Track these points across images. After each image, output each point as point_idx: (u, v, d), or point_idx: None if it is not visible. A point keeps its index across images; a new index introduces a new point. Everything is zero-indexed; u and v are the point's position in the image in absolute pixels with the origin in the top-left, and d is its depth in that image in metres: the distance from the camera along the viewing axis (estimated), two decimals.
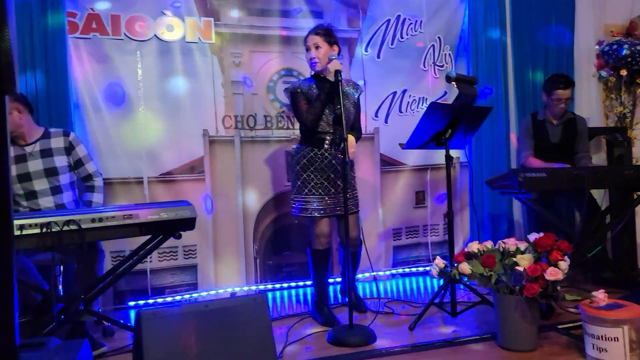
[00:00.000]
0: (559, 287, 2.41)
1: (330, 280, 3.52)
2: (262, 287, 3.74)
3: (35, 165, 2.87)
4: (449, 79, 2.87)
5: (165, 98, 3.52)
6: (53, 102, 3.21)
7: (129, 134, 3.44)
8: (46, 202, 2.89)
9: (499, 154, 4.15)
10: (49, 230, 2.14)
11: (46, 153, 2.91)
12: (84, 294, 2.49)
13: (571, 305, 2.85)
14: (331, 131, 2.99)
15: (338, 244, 3.24)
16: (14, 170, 2.82)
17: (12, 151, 2.84)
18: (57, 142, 2.95)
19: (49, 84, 3.20)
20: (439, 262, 2.65)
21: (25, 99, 2.90)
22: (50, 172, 2.90)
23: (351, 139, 2.98)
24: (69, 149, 2.97)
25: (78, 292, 2.48)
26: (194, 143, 3.58)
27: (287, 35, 3.79)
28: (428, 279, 3.96)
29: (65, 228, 2.17)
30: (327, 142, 2.99)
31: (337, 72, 2.76)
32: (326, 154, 2.99)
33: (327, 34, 3.00)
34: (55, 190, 2.91)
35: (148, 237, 2.58)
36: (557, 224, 3.26)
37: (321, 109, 2.92)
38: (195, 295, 3.57)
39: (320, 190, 2.97)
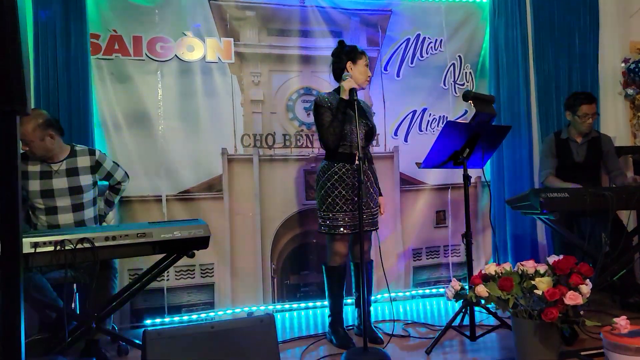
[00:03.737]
0: (582, 312, 2.32)
1: (349, 301, 3.48)
2: (279, 306, 3.71)
3: (59, 183, 2.90)
4: (465, 98, 2.84)
5: (185, 117, 3.56)
6: (75, 121, 3.28)
7: (148, 153, 3.49)
8: (66, 218, 2.92)
9: (521, 174, 4.07)
10: (62, 248, 2.16)
11: (72, 172, 2.93)
12: (97, 312, 2.50)
13: (596, 331, 2.74)
14: (362, 146, 2.92)
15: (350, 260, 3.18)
16: (38, 185, 2.87)
17: (39, 166, 2.89)
18: (83, 162, 2.98)
19: (71, 103, 3.27)
20: (455, 284, 2.58)
21: (57, 122, 2.91)
22: (75, 191, 2.93)
23: (381, 199, 3.15)
24: (95, 168, 3.00)
25: (91, 310, 2.49)
26: (212, 161, 3.61)
27: (306, 55, 3.80)
28: (448, 301, 3.87)
29: (79, 246, 2.19)
30: (358, 156, 2.96)
31: (352, 91, 2.76)
32: (357, 169, 2.94)
33: None
34: (77, 207, 2.95)
35: (162, 255, 2.58)
36: (581, 246, 3.17)
37: (340, 129, 2.89)
38: (211, 314, 3.56)
39: (351, 207, 2.93)
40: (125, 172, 3.17)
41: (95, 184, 3.03)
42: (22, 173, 2.84)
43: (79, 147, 3.02)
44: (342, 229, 2.93)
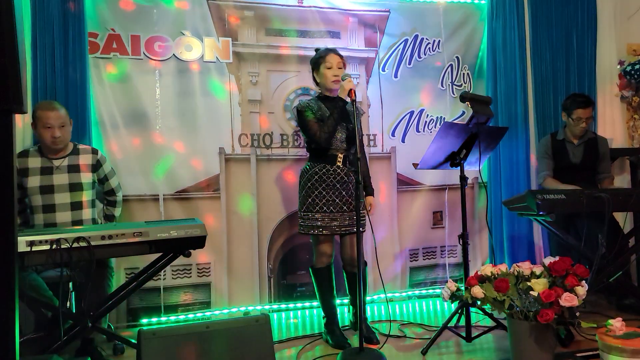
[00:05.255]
0: (577, 313, 2.32)
1: (345, 301, 3.47)
2: (275, 306, 3.71)
3: (60, 179, 2.92)
4: (463, 99, 2.84)
5: (183, 116, 3.56)
6: (72, 120, 3.26)
7: (146, 152, 3.48)
8: (64, 217, 2.91)
9: (518, 175, 4.07)
10: (58, 247, 2.16)
11: (73, 169, 2.96)
12: (92, 311, 2.49)
13: (591, 332, 2.75)
14: (344, 147, 2.99)
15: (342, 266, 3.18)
16: (37, 181, 2.87)
17: (39, 162, 2.91)
18: (85, 159, 3.01)
19: (69, 102, 3.25)
20: (451, 284, 2.59)
21: None
22: (75, 188, 2.95)
23: (371, 199, 3.11)
24: (96, 167, 3.04)
25: (86, 309, 2.49)
26: (210, 161, 3.61)
27: (304, 55, 3.79)
28: (445, 302, 3.87)
29: (75, 245, 2.18)
30: (339, 158, 2.98)
31: (352, 91, 2.77)
32: (338, 170, 2.97)
33: (342, 57, 3.06)
34: (76, 205, 2.95)
35: (159, 254, 2.58)
36: (577, 247, 3.17)
37: (334, 127, 2.91)
38: (208, 313, 3.56)
39: (332, 208, 2.95)
40: (119, 184, 3.20)
41: (94, 184, 3.05)
42: (21, 170, 2.87)
43: (81, 146, 3.06)
44: (321, 229, 2.94)
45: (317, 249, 3.01)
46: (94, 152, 3.06)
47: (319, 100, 3.05)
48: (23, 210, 2.94)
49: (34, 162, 2.89)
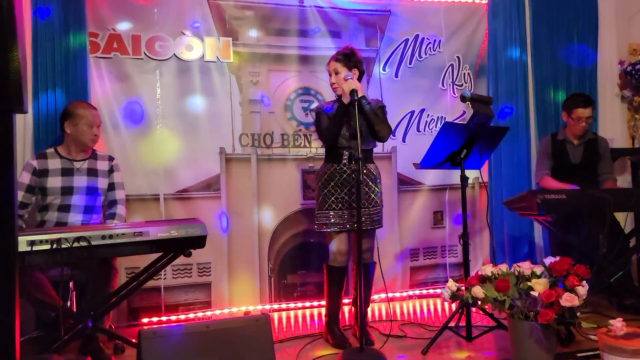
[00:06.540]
0: (578, 314, 2.32)
1: (345, 301, 3.47)
2: (276, 306, 3.71)
3: (80, 181, 2.97)
4: (463, 99, 2.83)
5: (183, 116, 3.56)
6: None
7: (146, 152, 3.49)
8: (76, 217, 2.94)
9: (519, 175, 4.07)
10: (59, 247, 2.16)
11: (92, 172, 3.02)
12: (93, 311, 2.49)
13: (592, 332, 2.74)
14: (349, 146, 2.99)
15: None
16: (59, 181, 2.91)
17: (60, 163, 2.95)
18: (102, 165, 3.08)
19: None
20: (451, 284, 2.59)
21: None
22: (92, 191, 3.00)
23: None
24: (110, 172, 3.10)
25: (87, 308, 2.49)
26: (210, 161, 3.61)
27: (304, 55, 3.80)
28: (445, 302, 3.87)
29: (75, 245, 2.19)
30: (345, 156, 2.98)
31: (353, 92, 2.76)
32: (344, 168, 2.97)
33: (346, 58, 3.00)
34: (89, 209, 2.99)
35: (159, 254, 2.58)
36: (578, 247, 3.17)
37: (336, 128, 2.93)
38: (208, 313, 3.56)
39: (340, 205, 2.95)
40: (124, 199, 3.16)
41: (106, 191, 3.08)
42: (41, 171, 2.91)
43: (99, 151, 3.13)
44: (331, 227, 2.96)
45: (330, 247, 3.02)
46: (110, 159, 3.13)
47: (335, 101, 3.08)
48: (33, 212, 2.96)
49: (54, 163, 2.94)
